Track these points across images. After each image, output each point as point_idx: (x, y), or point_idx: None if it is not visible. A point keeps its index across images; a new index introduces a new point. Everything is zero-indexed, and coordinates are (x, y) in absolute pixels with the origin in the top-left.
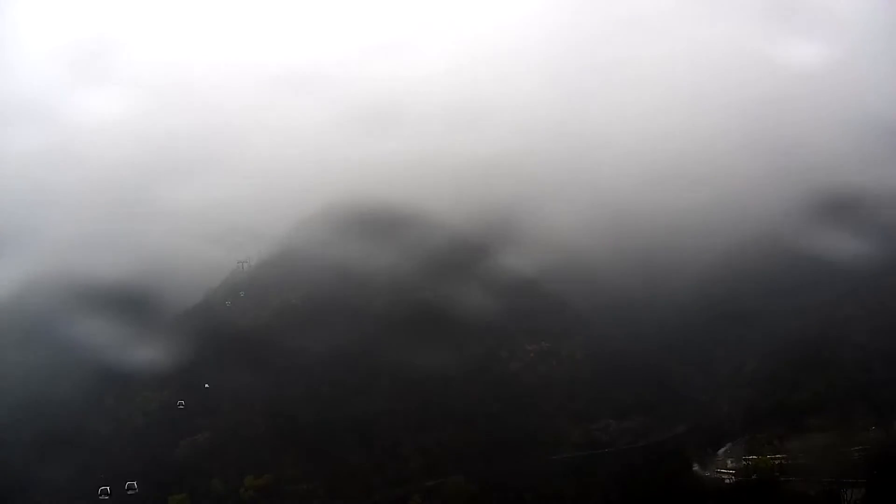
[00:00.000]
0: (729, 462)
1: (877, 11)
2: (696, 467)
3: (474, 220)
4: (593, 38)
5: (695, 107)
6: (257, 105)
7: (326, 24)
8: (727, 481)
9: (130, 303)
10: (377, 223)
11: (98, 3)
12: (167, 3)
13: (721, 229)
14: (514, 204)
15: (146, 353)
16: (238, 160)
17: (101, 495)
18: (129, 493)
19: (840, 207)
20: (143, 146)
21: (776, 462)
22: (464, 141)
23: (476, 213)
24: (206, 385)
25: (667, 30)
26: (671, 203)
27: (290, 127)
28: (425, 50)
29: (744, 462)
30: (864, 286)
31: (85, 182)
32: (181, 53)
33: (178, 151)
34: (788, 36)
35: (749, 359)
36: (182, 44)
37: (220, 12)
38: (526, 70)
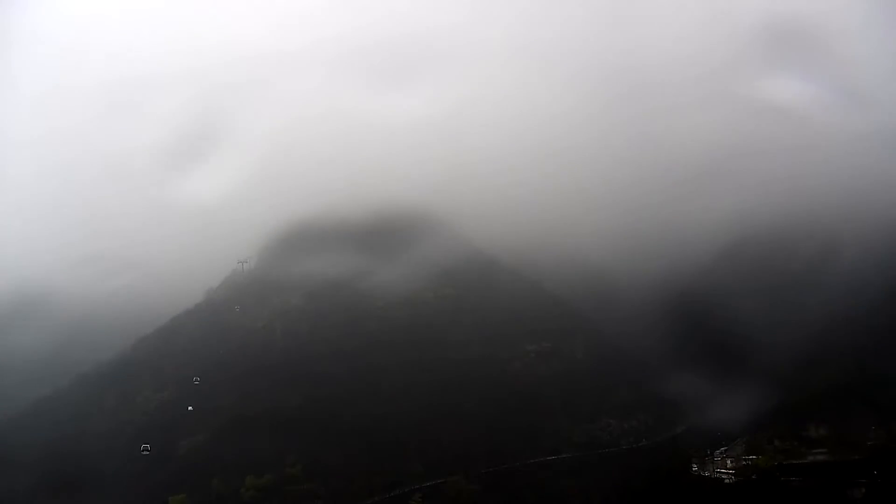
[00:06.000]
0: (729, 462)
1: None
2: (695, 467)
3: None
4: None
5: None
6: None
7: None
8: (727, 481)
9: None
10: (382, 228)
11: None
12: None
13: (720, 229)
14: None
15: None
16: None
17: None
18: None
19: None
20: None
21: (776, 462)
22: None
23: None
24: (206, 385)
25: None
26: (670, 205)
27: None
28: None
29: (744, 462)
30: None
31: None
32: None
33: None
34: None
35: (749, 359)
36: None
37: None
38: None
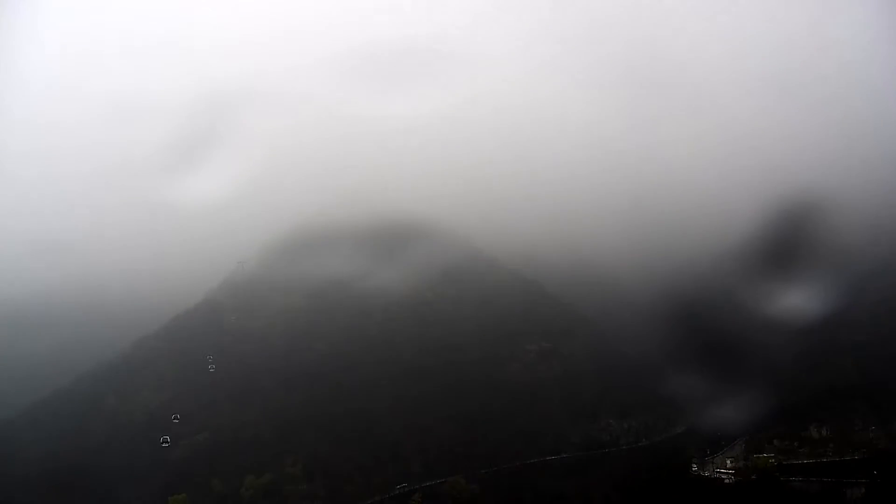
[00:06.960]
0: (729, 462)
1: None
2: (695, 467)
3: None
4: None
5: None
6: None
7: None
8: (727, 481)
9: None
10: (382, 229)
11: None
12: None
13: (720, 229)
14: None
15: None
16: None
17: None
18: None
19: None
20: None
21: (776, 462)
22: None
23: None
24: (206, 385)
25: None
26: (671, 205)
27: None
28: None
29: (744, 462)
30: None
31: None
32: None
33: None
34: None
35: (749, 359)
36: None
37: None
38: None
